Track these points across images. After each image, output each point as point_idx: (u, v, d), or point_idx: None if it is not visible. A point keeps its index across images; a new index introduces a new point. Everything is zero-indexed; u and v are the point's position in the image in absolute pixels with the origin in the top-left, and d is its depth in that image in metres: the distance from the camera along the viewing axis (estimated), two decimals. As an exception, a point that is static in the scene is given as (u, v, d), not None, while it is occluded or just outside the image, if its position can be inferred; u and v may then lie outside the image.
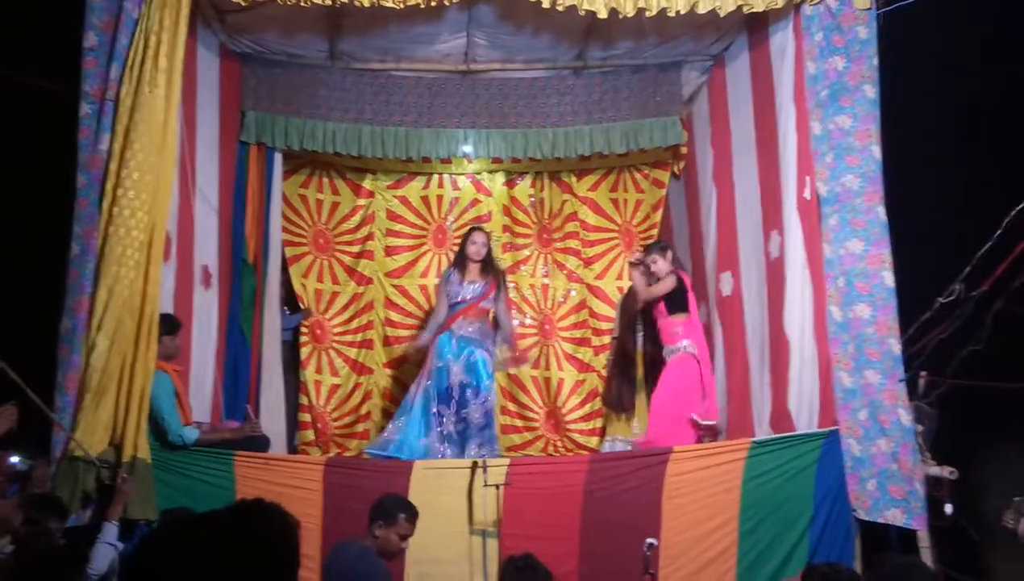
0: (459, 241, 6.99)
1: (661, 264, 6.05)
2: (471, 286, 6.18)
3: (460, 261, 6.29)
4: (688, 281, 6.09)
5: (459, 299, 6.18)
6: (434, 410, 5.95)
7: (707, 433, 5.77)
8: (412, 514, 3.80)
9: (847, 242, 5.11)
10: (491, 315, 6.37)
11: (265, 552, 1.38)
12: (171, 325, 4.89)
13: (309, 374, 6.98)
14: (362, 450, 6.95)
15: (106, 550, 3.90)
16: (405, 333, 7.27)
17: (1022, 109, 5.25)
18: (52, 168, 5.38)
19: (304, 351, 7.00)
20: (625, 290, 6.91)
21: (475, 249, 6.23)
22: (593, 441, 7.01)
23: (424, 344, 6.29)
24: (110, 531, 3.99)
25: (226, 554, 1.34)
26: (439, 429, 5.93)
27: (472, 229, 6.51)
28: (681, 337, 5.88)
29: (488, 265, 6.28)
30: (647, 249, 6.32)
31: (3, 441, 3.85)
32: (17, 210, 5.48)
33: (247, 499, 1.49)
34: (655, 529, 4.70)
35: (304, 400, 6.94)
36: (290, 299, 7.09)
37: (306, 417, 6.93)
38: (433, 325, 6.36)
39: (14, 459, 3.96)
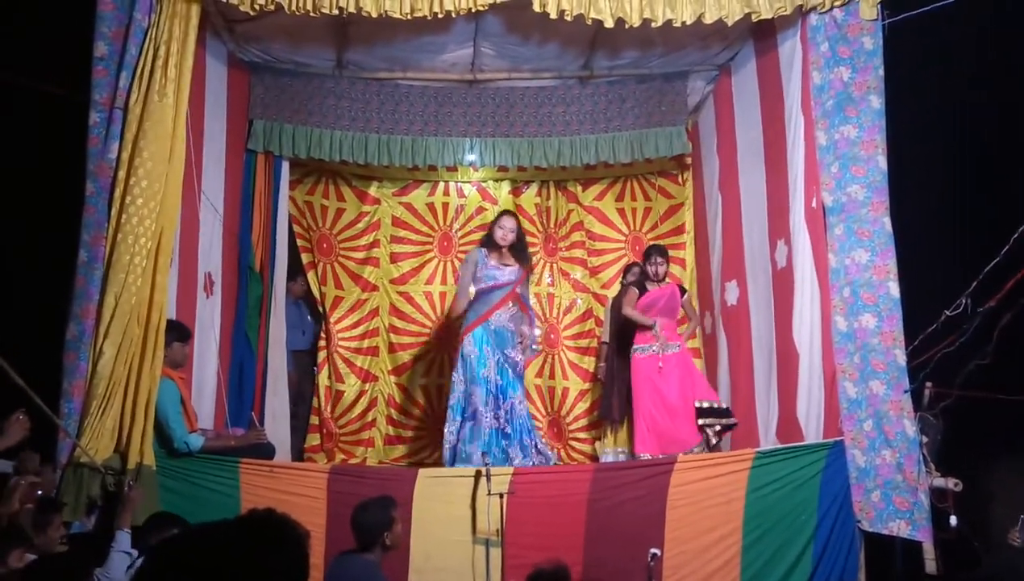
0: (465, 249, 6.99)
1: (665, 268, 6.20)
2: (508, 269, 5.72)
3: (490, 245, 5.79)
4: None
5: (493, 284, 5.67)
6: (480, 409, 5.51)
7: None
8: (395, 504, 3.85)
9: (853, 252, 5.11)
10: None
11: (273, 565, 1.39)
12: (182, 332, 4.92)
13: (322, 379, 7.09)
14: (365, 458, 7.00)
15: (121, 559, 3.90)
16: (410, 340, 7.30)
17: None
18: (53, 170, 5.39)
19: (320, 356, 7.12)
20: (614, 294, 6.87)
21: (501, 234, 5.73)
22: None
23: (459, 310, 5.80)
24: (123, 540, 3.99)
25: (233, 567, 1.36)
26: (495, 427, 5.53)
27: (501, 213, 6.10)
28: (676, 336, 6.11)
29: (520, 250, 5.82)
30: (660, 250, 6.27)
31: (13, 449, 3.87)
32: (17, 211, 5.47)
33: (258, 509, 1.50)
34: (659, 539, 4.70)
35: (315, 403, 7.06)
36: (311, 306, 7.17)
37: (315, 420, 7.04)
38: (464, 301, 5.78)
39: (41, 492, 3.99)
